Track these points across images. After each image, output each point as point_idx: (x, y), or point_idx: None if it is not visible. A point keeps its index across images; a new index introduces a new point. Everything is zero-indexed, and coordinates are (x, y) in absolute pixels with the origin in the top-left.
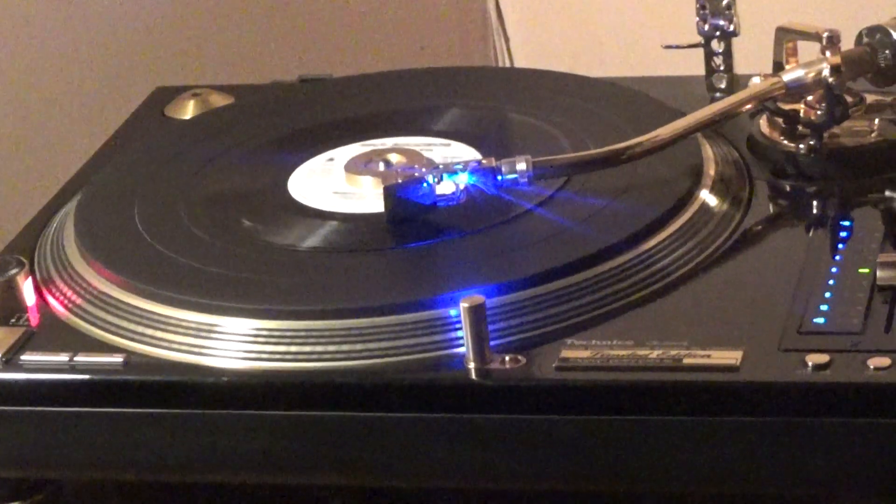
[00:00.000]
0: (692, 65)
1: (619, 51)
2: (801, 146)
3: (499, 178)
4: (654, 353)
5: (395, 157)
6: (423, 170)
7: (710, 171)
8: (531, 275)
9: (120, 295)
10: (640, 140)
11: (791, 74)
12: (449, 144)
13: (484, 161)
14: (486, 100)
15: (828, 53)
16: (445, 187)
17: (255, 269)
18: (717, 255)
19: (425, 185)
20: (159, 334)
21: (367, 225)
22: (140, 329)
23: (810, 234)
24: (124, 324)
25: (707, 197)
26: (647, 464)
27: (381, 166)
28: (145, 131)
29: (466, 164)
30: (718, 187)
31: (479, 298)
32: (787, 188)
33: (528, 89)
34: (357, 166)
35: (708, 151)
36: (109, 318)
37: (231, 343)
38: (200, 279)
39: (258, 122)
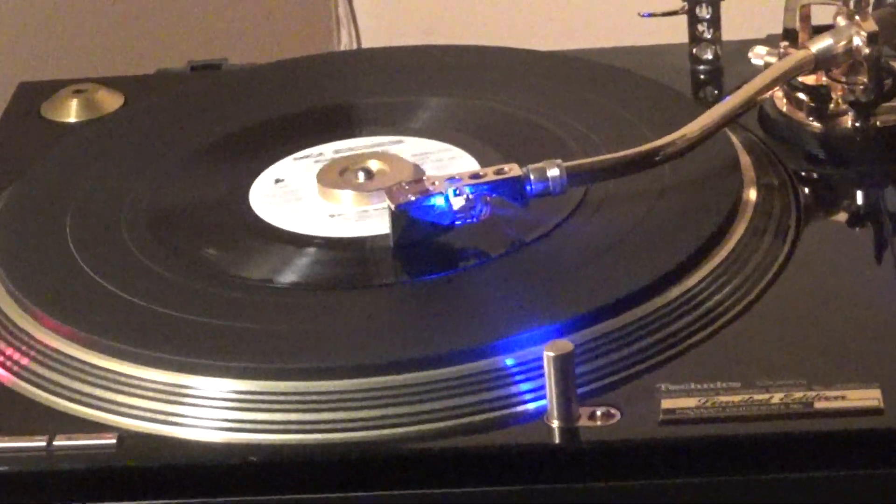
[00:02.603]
0: (662, 33)
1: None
2: (845, 126)
3: (528, 187)
4: (776, 398)
5: (375, 165)
6: (436, 183)
7: (750, 172)
8: (606, 305)
9: (79, 353)
10: (672, 139)
11: (820, 45)
12: (402, 141)
13: (506, 168)
14: (444, 86)
15: (857, 18)
16: (459, 202)
17: (236, 313)
18: (789, 267)
19: (443, 202)
20: (145, 403)
21: (361, 251)
22: (117, 398)
23: (887, 233)
24: (97, 392)
25: (759, 202)
26: None
27: (361, 177)
28: (29, 139)
29: (485, 173)
30: (764, 190)
31: (566, 345)
32: (835, 177)
33: (490, 69)
34: (332, 178)
35: (737, 143)
36: (73, 383)
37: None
38: (172, 329)
39: (180, 123)
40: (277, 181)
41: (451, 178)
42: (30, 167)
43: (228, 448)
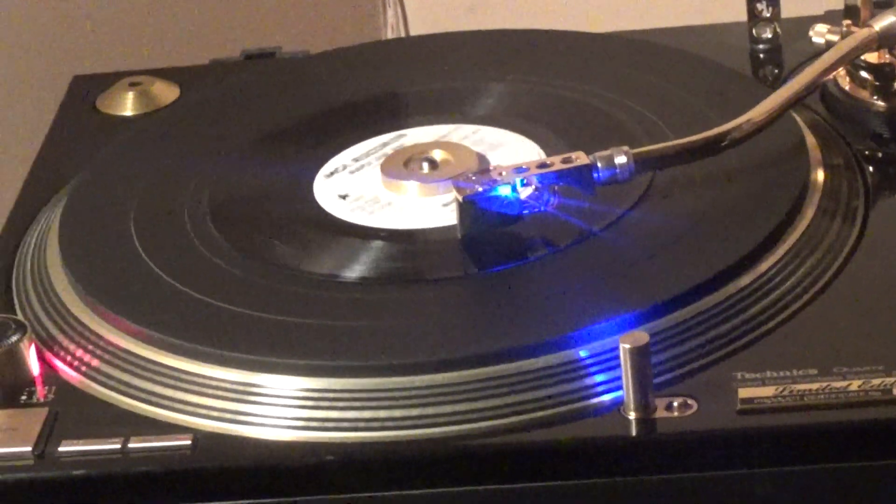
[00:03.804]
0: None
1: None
2: None
3: (596, 175)
4: (855, 385)
5: (439, 155)
6: (504, 173)
7: (817, 153)
8: (679, 293)
9: (148, 353)
10: (738, 123)
11: (883, 22)
12: (465, 129)
13: (574, 157)
14: (515, 72)
15: None
16: (527, 192)
17: (306, 310)
18: (860, 249)
19: (510, 191)
20: (218, 403)
21: (428, 244)
22: (189, 398)
23: None
24: (168, 392)
25: (828, 181)
26: None
27: (425, 167)
28: (86, 133)
29: (552, 162)
30: (831, 171)
31: (642, 336)
32: None
33: (550, 53)
34: (395, 169)
35: (802, 124)
36: (143, 384)
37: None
38: (245, 328)
39: (238, 114)
40: (340, 172)
41: (519, 168)
42: (89, 162)
43: (303, 447)
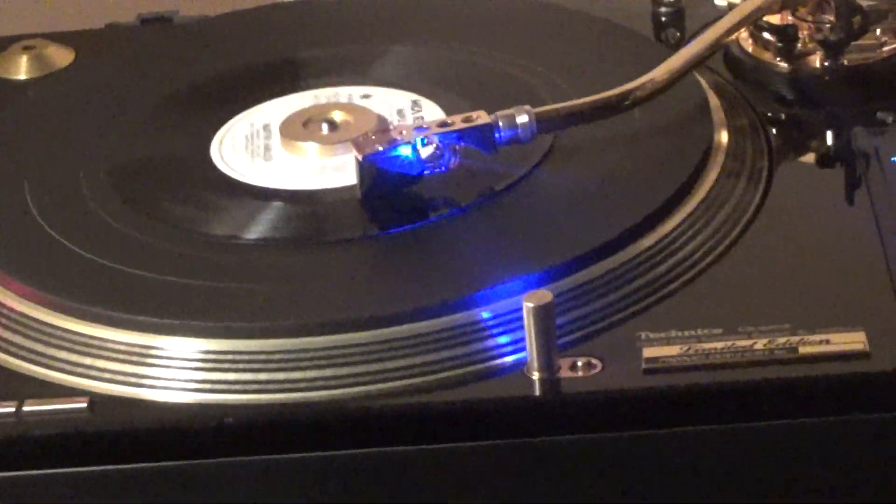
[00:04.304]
0: None
1: None
2: (813, 66)
3: (497, 135)
4: (760, 343)
5: (339, 116)
6: (404, 131)
7: (721, 114)
8: (583, 253)
9: (45, 316)
10: (640, 83)
11: None
12: (370, 96)
13: (475, 116)
14: (407, 34)
15: None
16: (427, 152)
17: (204, 271)
18: (764, 210)
19: (411, 151)
20: (115, 366)
21: (327, 204)
22: (87, 361)
23: (860, 172)
24: (65, 355)
25: (732, 143)
26: (764, 476)
27: (325, 128)
28: None
29: (453, 121)
30: (736, 132)
31: (545, 295)
32: (805, 117)
33: (452, 17)
34: (295, 129)
35: (705, 86)
36: (39, 347)
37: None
38: (140, 289)
39: (134, 78)
40: (239, 135)
41: (419, 127)
42: None
43: (201, 409)
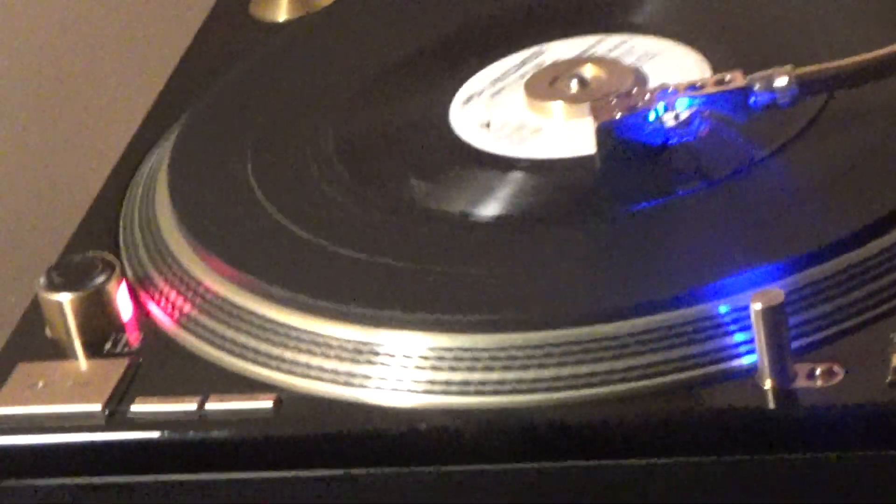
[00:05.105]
0: None
1: None
2: None
3: (753, 99)
4: None
5: (590, 72)
6: (647, 96)
7: None
8: (826, 244)
9: (253, 305)
10: None
11: None
12: (625, 41)
13: (728, 78)
14: None
15: None
16: (670, 118)
17: (428, 256)
18: None
19: (653, 116)
20: (317, 361)
21: (565, 176)
22: (288, 354)
23: None
24: (264, 346)
25: None
26: None
27: (574, 86)
28: (233, 44)
29: (703, 84)
30: None
31: (776, 294)
32: None
33: None
34: (541, 89)
35: None
36: (240, 336)
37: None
38: (368, 278)
39: (385, 28)
40: (478, 97)
41: (664, 91)
42: (211, 87)
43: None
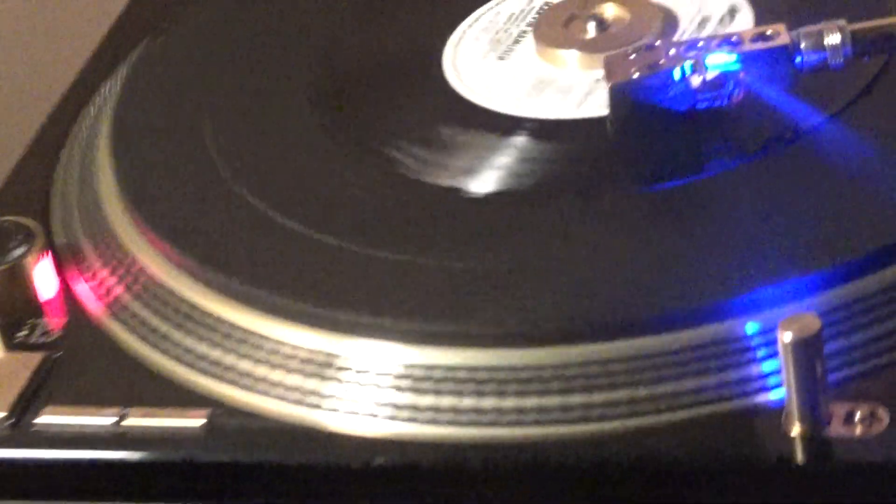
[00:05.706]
0: None
1: None
2: None
3: (799, 59)
4: None
5: (611, 12)
6: (672, 51)
7: None
8: (871, 252)
9: (189, 292)
10: None
11: None
12: None
13: (770, 32)
14: None
15: None
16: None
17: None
18: None
19: (678, 76)
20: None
21: (578, 143)
22: (228, 359)
23: None
24: (200, 347)
25: None
26: None
27: (592, 29)
28: None
29: (741, 39)
30: None
31: (810, 322)
32: None
33: None
34: (552, 32)
35: None
36: (173, 333)
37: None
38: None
39: None
40: (481, 36)
41: (692, 44)
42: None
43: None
